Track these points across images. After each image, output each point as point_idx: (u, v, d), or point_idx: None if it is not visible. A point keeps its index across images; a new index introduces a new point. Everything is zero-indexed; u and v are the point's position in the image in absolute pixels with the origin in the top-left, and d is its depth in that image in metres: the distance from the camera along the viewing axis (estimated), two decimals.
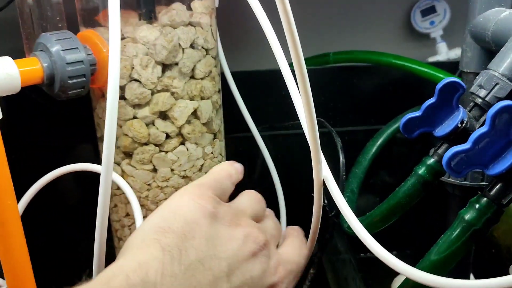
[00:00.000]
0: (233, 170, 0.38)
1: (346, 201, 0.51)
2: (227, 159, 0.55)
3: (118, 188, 0.46)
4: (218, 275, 0.29)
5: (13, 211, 0.40)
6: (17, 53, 0.45)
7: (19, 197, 0.45)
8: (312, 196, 0.38)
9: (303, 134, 0.36)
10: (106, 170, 0.36)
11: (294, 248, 0.37)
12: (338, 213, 0.47)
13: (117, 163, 0.47)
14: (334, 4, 0.73)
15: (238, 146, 0.63)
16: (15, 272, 0.38)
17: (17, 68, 0.38)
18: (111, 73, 0.34)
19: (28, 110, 0.60)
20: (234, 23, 0.66)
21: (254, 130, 0.59)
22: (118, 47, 0.35)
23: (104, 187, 0.36)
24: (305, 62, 0.68)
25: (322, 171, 0.36)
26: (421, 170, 0.36)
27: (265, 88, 0.65)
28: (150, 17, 0.44)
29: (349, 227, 0.36)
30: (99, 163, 0.47)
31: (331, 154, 0.53)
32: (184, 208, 0.31)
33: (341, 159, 0.47)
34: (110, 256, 0.38)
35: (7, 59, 0.38)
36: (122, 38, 0.44)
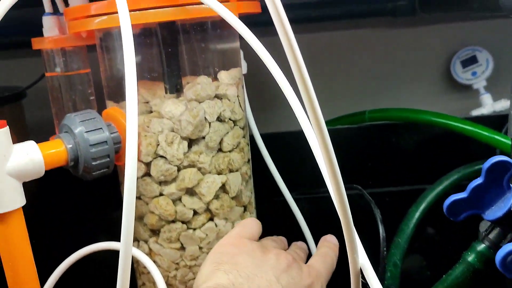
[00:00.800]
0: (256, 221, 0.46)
1: (389, 276, 0.47)
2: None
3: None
4: (270, 279, 0.38)
5: None
6: (48, 124, 0.45)
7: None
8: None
9: None
10: (125, 249, 0.34)
11: (319, 259, 0.44)
12: None
13: (145, 241, 0.45)
14: (369, 59, 0.71)
15: (271, 212, 0.60)
16: None
17: (41, 153, 0.37)
18: (128, 155, 0.32)
19: (59, 184, 0.60)
20: (263, 85, 0.65)
21: (287, 195, 0.57)
22: (135, 126, 0.33)
23: (123, 268, 0.34)
24: (339, 121, 0.66)
25: (359, 260, 0.32)
26: (471, 257, 0.32)
27: (297, 150, 0.63)
28: (176, 90, 0.43)
29: None
30: None
31: (370, 219, 0.50)
32: (228, 249, 0.40)
33: (381, 233, 0.43)
34: None
35: (31, 144, 0.37)
36: (150, 112, 0.43)
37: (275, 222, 0.64)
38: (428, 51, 0.70)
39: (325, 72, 0.67)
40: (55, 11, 0.48)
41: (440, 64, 0.71)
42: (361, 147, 0.62)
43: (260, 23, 0.44)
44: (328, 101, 0.70)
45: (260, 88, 0.62)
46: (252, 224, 0.44)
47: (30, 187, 0.38)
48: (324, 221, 0.62)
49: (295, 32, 0.27)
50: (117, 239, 0.44)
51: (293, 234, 0.65)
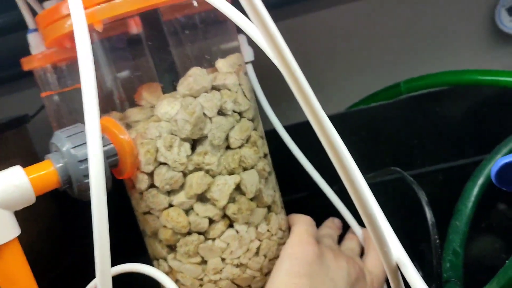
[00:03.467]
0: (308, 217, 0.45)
1: (448, 267, 0.40)
2: None
3: None
4: None
5: None
6: None
7: None
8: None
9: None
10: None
11: (376, 260, 0.45)
12: None
13: (163, 259, 0.41)
14: (401, 19, 0.63)
15: (303, 209, 0.54)
16: None
17: (27, 177, 0.34)
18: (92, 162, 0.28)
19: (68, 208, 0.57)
20: (276, 74, 0.59)
21: (324, 187, 0.51)
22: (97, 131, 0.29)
23: None
24: (373, 99, 0.59)
25: (392, 255, 0.26)
26: None
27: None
28: (173, 88, 0.39)
29: None
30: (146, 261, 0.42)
31: (418, 209, 0.43)
32: (301, 254, 0.40)
33: (429, 218, 0.36)
34: None
35: (15, 169, 0.34)
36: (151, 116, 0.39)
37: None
38: (468, 2, 0.61)
39: (349, 49, 0.61)
40: None
41: (482, 15, 0.62)
42: (401, 124, 0.55)
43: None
44: (357, 78, 0.63)
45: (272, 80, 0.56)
46: (311, 221, 0.44)
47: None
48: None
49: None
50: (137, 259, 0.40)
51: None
